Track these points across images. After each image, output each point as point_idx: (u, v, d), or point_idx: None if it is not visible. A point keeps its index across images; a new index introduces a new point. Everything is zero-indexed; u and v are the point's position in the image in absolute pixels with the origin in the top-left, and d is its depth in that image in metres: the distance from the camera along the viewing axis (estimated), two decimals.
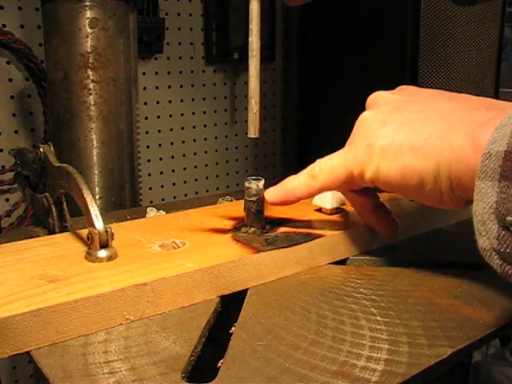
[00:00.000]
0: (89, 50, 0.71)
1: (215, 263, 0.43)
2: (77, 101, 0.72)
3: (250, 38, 0.50)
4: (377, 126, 0.44)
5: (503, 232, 0.34)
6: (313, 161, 0.49)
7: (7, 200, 1.02)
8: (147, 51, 1.13)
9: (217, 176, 1.33)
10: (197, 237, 0.49)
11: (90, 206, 0.44)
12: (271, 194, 0.50)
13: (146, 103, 1.17)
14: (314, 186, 0.47)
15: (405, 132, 0.42)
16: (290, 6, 0.60)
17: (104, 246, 0.43)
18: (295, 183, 0.48)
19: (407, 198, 0.45)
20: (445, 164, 0.39)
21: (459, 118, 0.40)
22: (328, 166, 0.47)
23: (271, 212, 0.55)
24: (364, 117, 0.46)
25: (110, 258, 0.43)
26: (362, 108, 0.48)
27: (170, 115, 1.22)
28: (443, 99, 0.44)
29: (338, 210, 0.56)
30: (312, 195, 0.50)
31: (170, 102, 1.21)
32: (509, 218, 0.33)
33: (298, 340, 0.37)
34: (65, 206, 0.55)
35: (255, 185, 0.49)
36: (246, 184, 0.50)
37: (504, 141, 0.33)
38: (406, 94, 0.47)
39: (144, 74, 1.15)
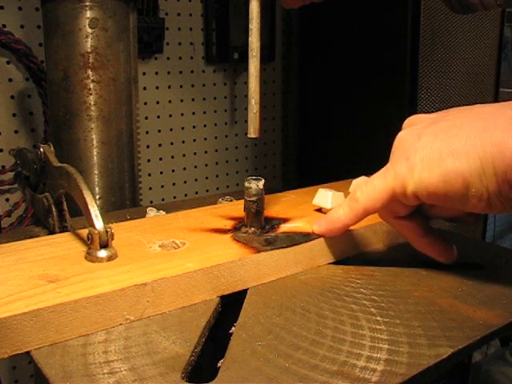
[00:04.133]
0: (89, 50, 0.71)
1: (215, 263, 0.43)
2: (77, 101, 0.72)
3: (249, 38, 0.50)
4: (413, 139, 0.44)
5: None
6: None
7: (7, 200, 1.02)
8: (147, 51, 1.13)
9: (217, 176, 1.33)
10: (197, 237, 0.49)
11: (89, 206, 0.44)
12: (319, 225, 0.50)
13: (146, 103, 1.17)
14: (357, 207, 0.46)
15: (442, 138, 0.41)
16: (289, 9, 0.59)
17: (104, 245, 0.43)
18: (340, 211, 0.48)
19: (453, 209, 0.44)
20: (488, 160, 0.38)
21: (496, 117, 0.40)
22: (369, 187, 0.46)
23: (271, 212, 0.55)
24: (400, 136, 0.46)
25: (110, 258, 0.43)
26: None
27: (170, 115, 1.22)
28: (480, 106, 0.43)
29: None
30: (358, 218, 0.48)
31: (170, 102, 1.21)
32: None
33: (298, 340, 0.37)
34: (65, 206, 0.55)
35: (255, 185, 0.49)
36: (246, 184, 0.50)
37: None
38: (440, 113, 0.47)
39: (144, 74, 1.15)
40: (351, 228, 0.51)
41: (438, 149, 0.41)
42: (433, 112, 0.47)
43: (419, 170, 0.42)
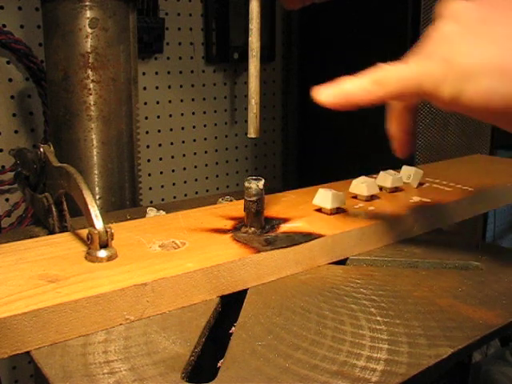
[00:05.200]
0: (89, 50, 0.71)
1: (215, 263, 0.43)
2: (77, 101, 0.72)
3: (249, 38, 0.50)
4: (455, 37, 0.38)
5: None
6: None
7: (7, 200, 1.02)
8: (147, 51, 1.13)
9: (217, 176, 1.33)
10: (197, 237, 0.49)
11: (89, 206, 0.44)
12: (326, 93, 0.43)
13: (146, 103, 1.17)
14: (378, 94, 0.41)
15: (491, 50, 0.36)
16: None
17: (104, 245, 0.43)
18: (356, 87, 0.42)
19: (489, 122, 0.40)
20: None
21: None
22: (395, 75, 0.40)
23: (271, 212, 0.55)
24: (438, 26, 0.39)
25: (109, 258, 0.43)
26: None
27: (170, 115, 1.22)
28: None
29: (338, 210, 0.56)
30: (371, 104, 0.42)
31: (170, 102, 1.21)
32: None
33: (298, 340, 0.37)
34: (65, 206, 0.55)
35: (255, 185, 0.49)
36: (246, 184, 0.50)
37: None
38: (484, 1, 0.40)
39: (144, 74, 1.15)
40: (351, 228, 0.51)
41: (485, 62, 0.36)
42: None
43: (459, 80, 0.37)
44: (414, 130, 0.47)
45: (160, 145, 1.22)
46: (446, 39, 0.38)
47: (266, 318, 0.40)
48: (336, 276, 0.47)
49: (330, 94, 0.43)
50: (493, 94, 0.36)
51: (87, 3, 0.70)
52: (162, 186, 1.24)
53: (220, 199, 0.66)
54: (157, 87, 1.18)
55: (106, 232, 0.43)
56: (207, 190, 1.32)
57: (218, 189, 1.33)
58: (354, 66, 0.46)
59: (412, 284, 0.46)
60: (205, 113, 1.27)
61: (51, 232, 0.56)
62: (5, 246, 0.47)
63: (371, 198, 0.60)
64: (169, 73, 1.19)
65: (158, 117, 1.20)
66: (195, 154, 1.28)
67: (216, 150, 1.31)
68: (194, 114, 1.26)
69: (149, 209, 0.63)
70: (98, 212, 0.44)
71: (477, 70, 0.36)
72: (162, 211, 0.62)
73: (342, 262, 0.51)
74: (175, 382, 0.32)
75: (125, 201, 0.79)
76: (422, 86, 0.39)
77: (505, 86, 0.36)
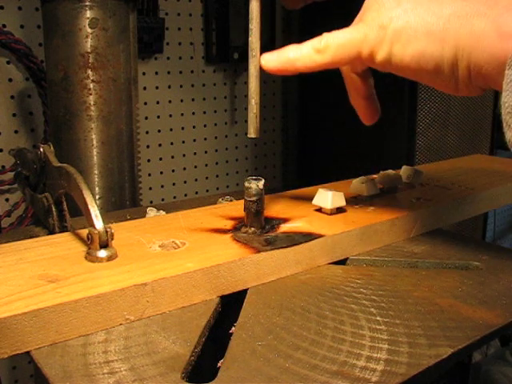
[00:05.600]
0: (89, 50, 0.71)
1: (215, 263, 0.43)
2: (77, 101, 0.72)
3: (249, 38, 0.50)
4: (390, 5, 0.41)
5: None
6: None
7: (7, 200, 1.02)
8: (147, 51, 1.13)
9: (217, 176, 1.33)
10: (197, 237, 0.49)
11: (89, 206, 0.44)
12: (269, 59, 0.46)
13: (146, 103, 1.17)
14: (319, 61, 0.44)
15: (421, 14, 0.39)
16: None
17: (104, 245, 0.43)
18: (298, 53, 0.45)
19: (421, 82, 0.43)
20: (464, 51, 0.37)
21: (484, 1, 0.37)
22: (336, 42, 0.43)
23: (271, 212, 0.55)
24: None
25: (109, 258, 0.43)
26: None
27: (170, 115, 1.22)
28: None
29: (338, 210, 0.56)
30: (312, 70, 0.46)
31: (170, 102, 1.21)
32: None
33: (298, 340, 0.37)
34: (65, 206, 0.55)
35: (255, 185, 0.49)
36: (246, 184, 0.50)
37: None
38: None
39: (144, 74, 1.15)
40: (351, 228, 0.51)
41: (415, 25, 0.39)
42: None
43: (392, 43, 0.40)
44: (370, 94, 0.50)
45: (160, 145, 1.21)
46: (382, 7, 0.42)
47: (266, 318, 0.40)
48: (336, 276, 0.47)
49: (275, 59, 0.46)
50: (422, 55, 0.39)
51: (87, 3, 0.70)
52: (162, 186, 1.24)
53: (220, 199, 0.66)
54: (157, 87, 1.18)
55: (106, 232, 0.43)
56: (207, 190, 1.32)
57: (218, 189, 1.33)
58: None
59: (412, 284, 0.46)
60: (205, 113, 1.27)
61: (51, 232, 0.56)
62: (5, 246, 0.47)
63: (371, 198, 0.60)
64: (169, 73, 1.19)
65: (158, 117, 1.20)
66: (195, 153, 1.28)
67: (216, 150, 1.31)
68: (194, 114, 1.26)
69: (149, 209, 0.63)
70: (97, 212, 0.44)
71: (406, 33, 0.39)
72: (162, 211, 0.62)
73: (342, 262, 0.51)
74: (175, 382, 0.32)
75: (125, 201, 0.79)
76: (360, 51, 0.42)
77: (433, 48, 0.38)
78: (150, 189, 1.22)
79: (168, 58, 1.18)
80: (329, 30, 0.47)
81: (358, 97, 0.50)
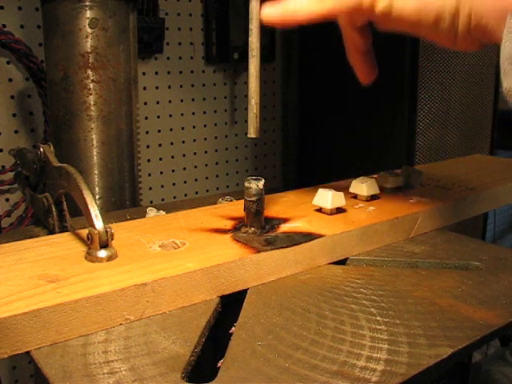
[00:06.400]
0: (89, 50, 0.71)
1: (215, 263, 0.43)
2: (77, 101, 0.72)
3: (249, 38, 0.50)
4: None
5: None
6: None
7: (7, 200, 1.02)
8: (147, 51, 1.13)
9: (217, 176, 1.33)
10: (197, 237, 0.49)
11: (89, 206, 0.44)
12: (269, 12, 0.46)
13: (146, 103, 1.17)
14: (319, 10, 0.44)
15: None
16: None
17: (104, 245, 0.43)
18: (298, 4, 0.45)
19: (419, 35, 0.43)
20: (468, 1, 0.37)
21: None
22: None
23: (271, 212, 0.55)
24: None
25: (109, 258, 0.43)
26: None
27: (170, 115, 1.22)
28: None
29: (338, 210, 0.56)
30: (314, 21, 0.45)
31: (170, 102, 1.21)
32: None
33: (298, 340, 0.37)
34: (65, 206, 0.55)
35: (255, 185, 0.49)
36: (246, 184, 0.50)
37: None
38: None
39: (144, 74, 1.15)
40: (351, 228, 0.51)
41: None
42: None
43: None
44: (368, 50, 0.49)
45: (160, 145, 1.21)
46: None
47: (266, 318, 0.40)
48: (336, 276, 0.47)
49: (275, 11, 0.46)
50: (424, 5, 0.39)
51: (87, 3, 0.70)
52: (162, 186, 1.24)
53: (220, 199, 0.66)
54: (157, 87, 1.18)
55: (106, 232, 0.43)
56: (207, 190, 1.32)
57: (218, 189, 1.33)
58: None
59: (412, 284, 0.46)
60: (205, 113, 1.27)
61: (51, 232, 0.56)
62: (5, 246, 0.47)
63: (371, 198, 0.60)
64: (169, 73, 1.19)
65: (158, 117, 1.20)
66: (195, 154, 1.28)
67: (216, 150, 1.31)
68: (194, 114, 1.26)
69: (149, 209, 0.63)
70: (97, 212, 0.44)
71: None
72: (162, 211, 0.62)
73: (342, 262, 0.51)
74: (175, 382, 0.32)
75: (125, 201, 0.79)
76: (360, 1, 0.42)
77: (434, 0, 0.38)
78: (150, 189, 1.22)
79: (168, 58, 1.18)
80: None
81: (356, 52, 0.49)
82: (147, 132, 1.18)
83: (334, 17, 0.46)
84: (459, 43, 0.40)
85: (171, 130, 1.22)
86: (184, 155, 1.26)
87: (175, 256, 0.45)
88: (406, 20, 0.40)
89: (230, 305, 0.43)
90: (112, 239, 0.44)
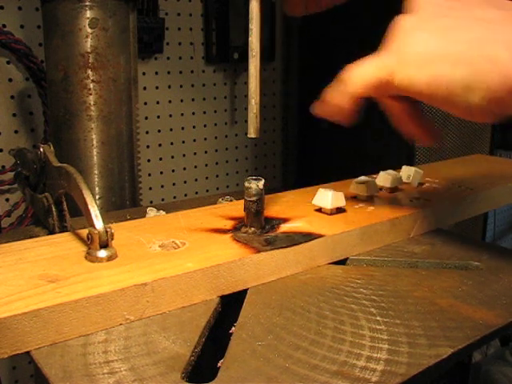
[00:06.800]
0: (89, 50, 0.71)
1: (215, 263, 0.43)
2: (77, 101, 0.72)
3: (249, 38, 0.50)
4: (410, 31, 0.42)
5: None
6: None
7: (7, 200, 1.02)
8: (147, 51, 1.13)
9: (217, 176, 1.33)
10: (197, 237, 0.49)
11: (89, 206, 0.44)
12: (317, 109, 0.48)
13: (146, 103, 1.17)
14: (345, 92, 0.45)
15: (438, 40, 0.40)
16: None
17: (104, 245, 0.43)
18: (330, 96, 0.47)
19: (437, 107, 0.44)
20: (479, 75, 0.38)
21: (501, 29, 0.38)
22: (358, 72, 0.45)
23: (271, 212, 0.55)
24: (399, 21, 0.44)
25: (109, 258, 0.43)
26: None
27: (170, 115, 1.22)
28: (489, 6, 0.41)
29: (338, 210, 0.56)
30: (347, 103, 0.46)
31: (170, 102, 1.21)
32: None
33: (298, 340, 0.37)
34: (65, 206, 0.55)
35: (255, 185, 0.49)
36: (246, 184, 0.50)
37: None
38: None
39: (144, 74, 1.15)
40: (351, 228, 0.51)
41: (431, 49, 0.40)
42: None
43: (407, 67, 0.41)
44: (421, 119, 0.48)
45: (160, 145, 1.22)
46: (402, 32, 0.43)
47: (266, 318, 0.40)
48: (336, 276, 0.47)
49: (319, 109, 0.48)
50: (435, 77, 0.39)
51: (87, 3, 0.70)
52: (162, 186, 1.24)
53: (220, 199, 0.66)
54: (157, 87, 1.18)
55: (106, 232, 0.43)
56: (207, 190, 1.32)
57: (218, 189, 1.33)
58: None
59: (412, 284, 0.46)
60: (205, 113, 1.27)
61: (51, 232, 0.56)
62: (5, 246, 0.47)
63: (371, 198, 0.60)
64: (169, 73, 1.19)
65: (158, 117, 1.20)
66: (195, 153, 1.28)
67: (216, 150, 1.31)
68: (194, 114, 1.26)
69: (149, 209, 0.63)
70: (97, 212, 0.44)
71: (422, 58, 0.40)
72: (162, 211, 0.62)
73: (342, 262, 0.51)
74: (175, 382, 0.32)
75: (125, 201, 0.79)
76: (381, 78, 0.43)
77: (446, 70, 0.39)
78: (150, 189, 1.22)
79: (168, 58, 1.18)
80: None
81: (406, 117, 0.48)
82: (147, 132, 1.18)
83: (367, 95, 0.46)
84: (476, 115, 0.40)
85: (171, 130, 1.22)
86: (184, 155, 1.26)
87: (175, 256, 0.45)
88: (421, 93, 0.41)
89: (230, 305, 0.43)
90: (112, 239, 0.44)
